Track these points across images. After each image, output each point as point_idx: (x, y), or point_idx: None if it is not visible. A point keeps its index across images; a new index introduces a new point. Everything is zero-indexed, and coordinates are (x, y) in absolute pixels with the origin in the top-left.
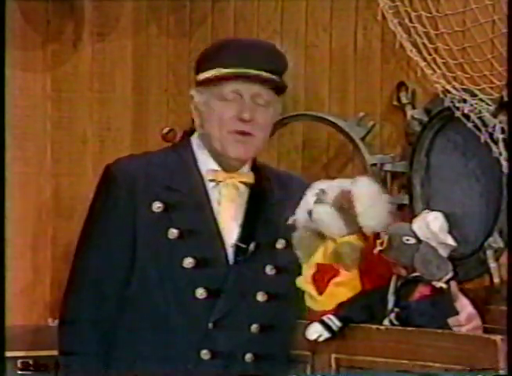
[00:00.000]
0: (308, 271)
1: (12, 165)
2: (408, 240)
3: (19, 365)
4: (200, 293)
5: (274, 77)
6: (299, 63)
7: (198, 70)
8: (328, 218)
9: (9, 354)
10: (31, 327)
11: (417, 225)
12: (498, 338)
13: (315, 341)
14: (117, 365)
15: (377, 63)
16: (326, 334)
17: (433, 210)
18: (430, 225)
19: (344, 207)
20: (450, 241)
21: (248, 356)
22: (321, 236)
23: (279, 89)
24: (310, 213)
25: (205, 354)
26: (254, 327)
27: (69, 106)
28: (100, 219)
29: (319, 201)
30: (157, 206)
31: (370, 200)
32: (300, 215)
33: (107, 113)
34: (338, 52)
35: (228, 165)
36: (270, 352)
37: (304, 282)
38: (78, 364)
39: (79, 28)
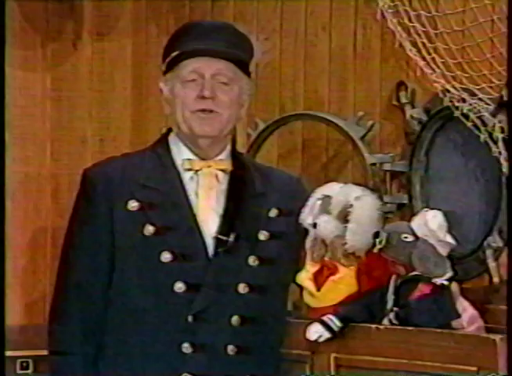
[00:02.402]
0: (311, 268)
1: (12, 165)
2: (406, 237)
3: (18, 365)
4: (179, 287)
5: (234, 50)
6: (298, 62)
7: (163, 61)
8: (332, 231)
9: (8, 354)
10: (31, 327)
11: (416, 222)
12: (497, 337)
13: (316, 341)
14: (104, 364)
15: (377, 63)
16: (326, 335)
17: (433, 209)
18: (429, 222)
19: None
20: (449, 239)
21: (230, 348)
22: (326, 244)
23: (243, 65)
24: (315, 225)
25: (186, 348)
26: (235, 320)
27: (68, 105)
28: (79, 222)
29: (323, 210)
30: (132, 205)
31: (366, 222)
32: (305, 218)
33: (107, 113)
34: (337, 52)
35: (203, 153)
36: (254, 345)
37: (306, 278)
38: (67, 364)
39: (79, 28)
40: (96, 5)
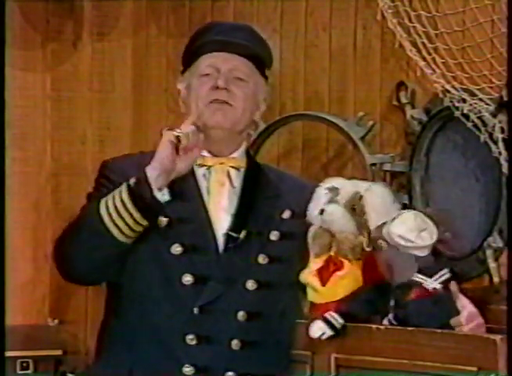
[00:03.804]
0: (315, 264)
1: (12, 165)
2: (381, 243)
3: (18, 365)
4: (187, 279)
5: (251, 45)
6: (299, 62)
7: (182, 61)
8: (339, 218)
9: (8, 354)
10: (31, 327)
11: (385, 229)
12: (498, 337)
13: (319, 339)
14: (109, 347)
15: (377, 63)
16: (329, 332)
17: (433, 209)
18: (392, 228)
19: (356, 210)
20: (423, 242)
21: (235, 343)
22: (332, 234)
23: (259, 62)
24: (322, 212)
25: (191, 339)
26: (241, 315)
27: (68, 105)
28: (98, 189)
29: (331, 200)
30: None
31: (382, 209)
32: (312, 211)
33: (107, 113)
34: (338, 52)
35: (216, 150)
36: (259, 341)
37: (309, 274)
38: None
39: (79, 28)
40: (96, 5)
